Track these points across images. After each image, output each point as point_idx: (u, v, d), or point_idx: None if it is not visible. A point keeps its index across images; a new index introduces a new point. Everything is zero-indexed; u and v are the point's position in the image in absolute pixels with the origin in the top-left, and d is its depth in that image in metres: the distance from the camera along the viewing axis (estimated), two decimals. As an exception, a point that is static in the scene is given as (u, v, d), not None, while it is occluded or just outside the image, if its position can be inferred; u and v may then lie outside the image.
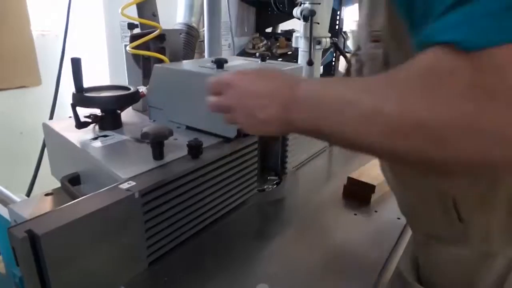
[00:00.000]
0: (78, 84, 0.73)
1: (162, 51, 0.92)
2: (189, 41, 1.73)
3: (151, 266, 0.59)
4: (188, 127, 0.79)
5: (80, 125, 0.74)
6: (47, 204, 0.77)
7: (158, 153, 0.63)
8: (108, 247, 0.52)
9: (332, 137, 0.38)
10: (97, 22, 1.73)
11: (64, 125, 0.78)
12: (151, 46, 0.91)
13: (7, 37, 1.49)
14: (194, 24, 1.75)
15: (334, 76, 2.43)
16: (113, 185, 0.54)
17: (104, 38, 1.77)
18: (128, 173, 0.59)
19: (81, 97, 0.73)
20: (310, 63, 1.26)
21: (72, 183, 0.70)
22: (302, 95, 0.39)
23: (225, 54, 2.60)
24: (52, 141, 0.81)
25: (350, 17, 4.05)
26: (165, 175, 0.58)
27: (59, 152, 0.80)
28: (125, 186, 0.54)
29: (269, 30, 2.78)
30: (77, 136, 0.73)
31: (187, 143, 0.64)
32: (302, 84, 0.40)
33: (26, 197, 0.97)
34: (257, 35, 2.56)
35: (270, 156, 0.93)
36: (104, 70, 1.83)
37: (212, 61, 0.74)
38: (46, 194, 0.80)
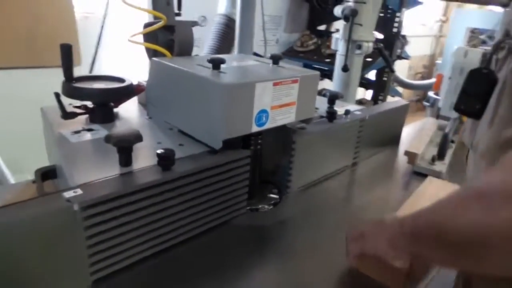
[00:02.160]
0: (67, 73, 0.69)
1: (171, 43, 0.86)
2: (227, 33, 1.66)
3: (95, 284, 0.52)
4: (180, 130, 0.72)
5: (65, 115, 0.70)
6: (28, 192, 0.74)
7: (123, 159, 0.56)
8: (41, 258, 0.46)
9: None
10: (142, 5, 1.72)
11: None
12: (159, 37, 0.85)
13: (51, 18, 1.54)
14: (235, 16, 1.67)
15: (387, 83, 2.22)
16: (57, 191, 0.48)
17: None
18: (84, 178, 0.52)
19: (68, 86, 0.69)
20: (345, 69, 1.12)
21: (45, 177, 0.66)
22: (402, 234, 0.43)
23: (272, 49, 2.50)
24: (45, 127, 0.78)
25: (412, 20, 3.70)
26: (124, 186, 0.51)
27: (48, 139, 0.77)
28: (69, 194, 0.48)
29: (322, 28, 2.63)
30: (63, 127, 0.69)
31: (157, 152, 0.56)
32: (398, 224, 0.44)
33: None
34: (308, 32, 2.43)
35: (275, 170, 0.83)
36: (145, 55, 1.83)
37: (207, 60, 0.66)
38: (33, 181, 0.78)
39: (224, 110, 0.60)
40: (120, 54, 1.80)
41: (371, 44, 1.21)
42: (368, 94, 2.58)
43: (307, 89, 0.73)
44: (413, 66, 4.26)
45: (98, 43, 1.32)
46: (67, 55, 0.68)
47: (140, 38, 0.88)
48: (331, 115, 0.86)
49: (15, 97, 1.52)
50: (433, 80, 3.11)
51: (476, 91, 0.42)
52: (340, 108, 0.96)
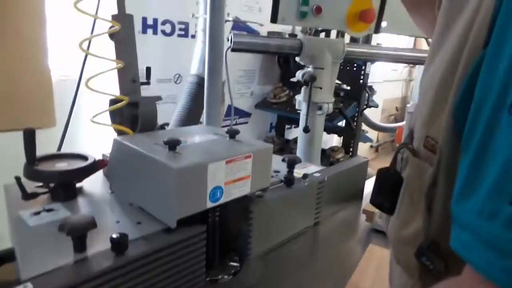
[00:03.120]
0: (29, 156, 0.72)
1: (136, 118, 0.90)
2: (198, 92, 1.74)
3: None
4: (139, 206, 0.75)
5: (26, 196, 0.72)
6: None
7: (77, 246, 0.58)
8: None
9: None
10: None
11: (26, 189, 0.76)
12: (124, 113, 0.90)
13: (27, 82, 1.59)
14: (206, 76, 1.76)
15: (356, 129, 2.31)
16: None
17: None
18: (37, 268, 0.54)
19: (30, 169, 0.72)
20: (305, 130, 1.19)
21: (3, 261, 0.67)
22: None
23: (247, 101, 2.60)
24: (7, 205, 0.80)
25: (377, 71, 3.92)
26: (74, 277, 0.53)
27: (8, 219, 0.78)
28: (18, 290, 0.49)
29: (295, 79, 2.76)
30: (23, 207, 0.71)
31: (110, 237, 0.58)
32: None
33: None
34: (280, 85, 2.54)
35: (237, 238, 0.85)
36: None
37: (163, 142, 0.70)
38: (-6, 262, 0.78)
39: (177, 192, 0.63)
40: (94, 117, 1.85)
41: (331, 105, 1.29)
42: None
43: (261, 162, 0.77)
44: (386, 109, 4.45)
45: (72, 107, 1.37)
46: (30, 139, 0.71)
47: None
48: (288, 180, 0.91)
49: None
50: (402, 123, 3.25)
51: (384, 190, 0.44)
52: (302, 169, 1.01)
